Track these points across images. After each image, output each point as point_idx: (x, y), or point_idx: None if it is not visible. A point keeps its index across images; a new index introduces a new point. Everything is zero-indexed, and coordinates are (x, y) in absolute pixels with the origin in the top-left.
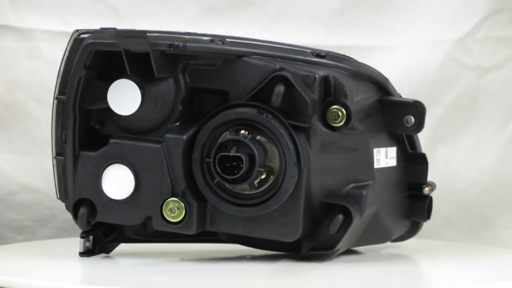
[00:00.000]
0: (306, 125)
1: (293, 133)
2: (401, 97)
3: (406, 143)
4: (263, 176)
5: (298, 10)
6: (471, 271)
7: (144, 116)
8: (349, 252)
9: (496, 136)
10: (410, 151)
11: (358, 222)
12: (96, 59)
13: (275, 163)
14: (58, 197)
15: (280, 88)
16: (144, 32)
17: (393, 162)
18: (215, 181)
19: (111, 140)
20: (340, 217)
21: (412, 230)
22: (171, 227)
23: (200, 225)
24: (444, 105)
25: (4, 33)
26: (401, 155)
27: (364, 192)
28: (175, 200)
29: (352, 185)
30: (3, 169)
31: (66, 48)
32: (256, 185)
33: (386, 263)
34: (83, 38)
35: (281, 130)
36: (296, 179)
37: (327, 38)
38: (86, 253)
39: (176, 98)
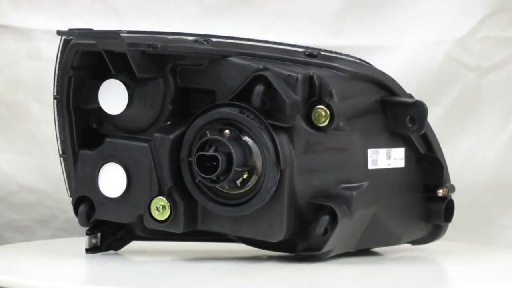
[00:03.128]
0: (286, 125)
1: (273, 133)
2: (411, 97)
3: (417, 144)
4: (245, 176)
5: (299, 10)
6: (471, 271)
7: (134, 115)
8: (364, 253)
9: (497, 136)
10: (422, 152)
11: (348, 223)
12: (86, 59)
13: (258, 163)
14: (69, 194)
15: (260, 88)
16: (117, 32)
17: (398, 163)
18: (196, 180)
19: (106, 139)
20: (326, 218)
21: (434, 233)
22: (158, 225)
23: (189, 224)
24: (444, 105)
25: (5, 33)
26: (412, 156)
27: (354, 193)
28: (161, 199)
29: (342, 185)
30: (3, 169)
31: (58, 49)
32: (239, 184)
33: (384, 264)
34: (71, 39)
35: (260, 130)
36: (278, 179)
37: (327, 38)
38: (92, 249)
39: (165, 98)
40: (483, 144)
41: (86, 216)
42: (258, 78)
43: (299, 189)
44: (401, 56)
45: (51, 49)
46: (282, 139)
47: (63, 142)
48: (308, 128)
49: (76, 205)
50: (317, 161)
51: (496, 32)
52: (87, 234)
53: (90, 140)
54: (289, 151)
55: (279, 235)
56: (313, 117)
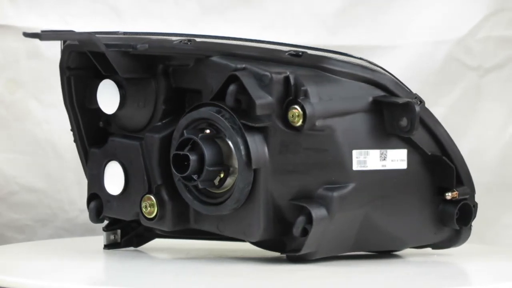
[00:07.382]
0: (257, 125)
1: (244, 133)
2: (417, 97)
3: (420, 145)
4: (222, 175)
5: (299, 10)
6: (472, 271)
7: (129, 115)
8: (383, 256)
9: (497, 136)
10: (429, 153)
11: (329, 225)
12: (84, 60)
13: (236, 163)
14: None
15: (233, 88)
16: (91, 33)
17: (398, 165)
18: (176, 179)
19: (109, 138)
20: (302, 218)
21: (454, 237)
22: (148, 222)
23: (179, 222)
24: (445, 105)
25: (5, 33)
26: (417, 158)
27: (335, 194)
28: (150, 197)
29: (325, 186)
30: (3, 169)
31: (60, 50)
32: (216, 184)
33: (385, 264)
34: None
35: (232, 130)
36: (251, 179)
37: (328, 38)
38: (111, 246)
39: (158, 98)
40: (484, 144)
41: (96, 212)
42: (231, 78)
43: (277, 190)
44: (401, 56)
45: (51, 49)
46: (255, 139)
47: (74, 141)
48: (284, 128)
49: (88, 202)
50: (294, 161)
51: (497, 32)
52: (104, 230)
53: (102, 139)
54: (263, 151)
55: (257, 235)
56: (288, 117)
